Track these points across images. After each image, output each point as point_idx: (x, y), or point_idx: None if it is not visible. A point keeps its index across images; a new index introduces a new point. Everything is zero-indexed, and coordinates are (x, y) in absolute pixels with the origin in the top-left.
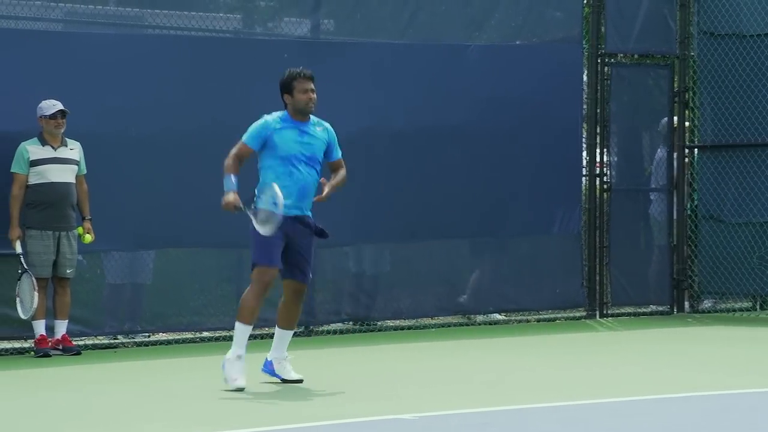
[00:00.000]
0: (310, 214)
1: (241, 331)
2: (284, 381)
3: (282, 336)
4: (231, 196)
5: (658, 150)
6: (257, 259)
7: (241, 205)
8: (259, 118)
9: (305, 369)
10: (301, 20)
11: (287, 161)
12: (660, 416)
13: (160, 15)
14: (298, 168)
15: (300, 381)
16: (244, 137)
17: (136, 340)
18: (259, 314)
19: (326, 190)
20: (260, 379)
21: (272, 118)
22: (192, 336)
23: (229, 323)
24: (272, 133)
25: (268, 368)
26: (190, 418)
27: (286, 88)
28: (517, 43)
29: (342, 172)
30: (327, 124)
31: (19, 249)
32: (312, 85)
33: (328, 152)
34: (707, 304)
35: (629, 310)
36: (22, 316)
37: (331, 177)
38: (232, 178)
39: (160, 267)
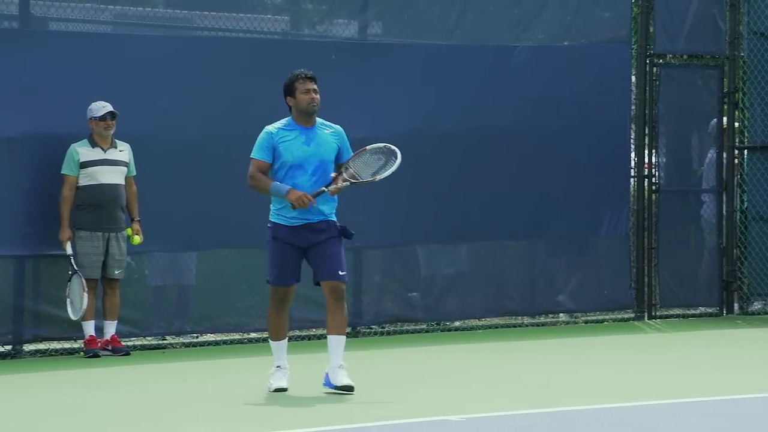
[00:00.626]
0: (329, 216)
1: (273, 346)
2: (335, 388)
3: (332, 343)
4: (294, 193)
5: (709, 151)
6: (268, 276)
7: (312, 195)
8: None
9: (352, 370)
10: (349, 22)
11: (296, 169)
12: (709, 418)
13: (208, 17)
14: (306, 176)
15: (351, 388)
16: (253, 153)
17: (184, 340)
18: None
19: (334, 187)
20: (307, 382)
21: (273, 127)
22: (239, 337)
23: None
24: (277, 142)
25: (327, 380)
26: (237, 419)
27: (288, 90)
28: (565, 43)
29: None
30: (336, 126)
31: (69, 250)
32: (314, 86)
33: (339, 154)
34: (757, 305)
35: (678, 312)
36: (72, 317)
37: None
38: (273, 183)
39: (207, 268)
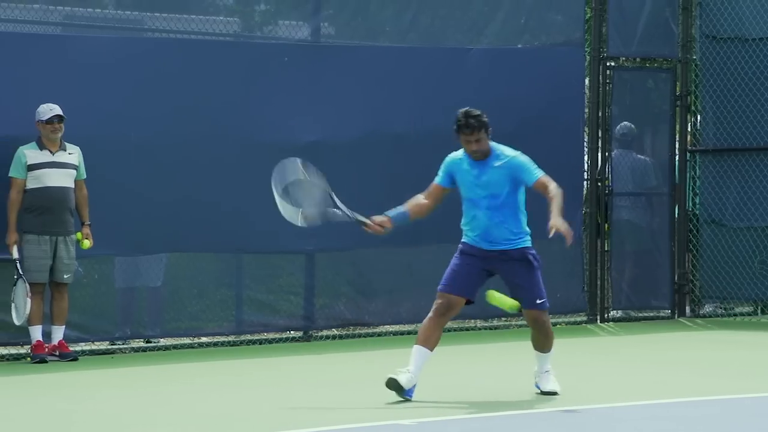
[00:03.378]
0: (516, 245)
1: (414, 350)
2: (542, 393)
3: (537, 357)
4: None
5: (614, 152)
6: (441, 282)
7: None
8: (257, 120)
9: (304, 374)
10: (302, 23)
11: (470, 203)
12: (660, 421)
13: (159, 18)
14: (481, 210)
15: (555, 393)
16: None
17: (133, 345)
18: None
19: (552, 220)
20: (261, 386)
21: (455, 155)
22: (190, 341)
23: (228, 328)
24: (455, 171)
25: (537, 385)
26: (187, 425)
27: (456, 132)
28: (519, 46)
29: (551, 190)
30: (509, 155)
31: (15, 254)
32: (476, 136)
33: (518, 181)
34: (708, 308)
35: (630, 315)
36: (16, 322)
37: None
38: (401, 208)
39: (158, 272)
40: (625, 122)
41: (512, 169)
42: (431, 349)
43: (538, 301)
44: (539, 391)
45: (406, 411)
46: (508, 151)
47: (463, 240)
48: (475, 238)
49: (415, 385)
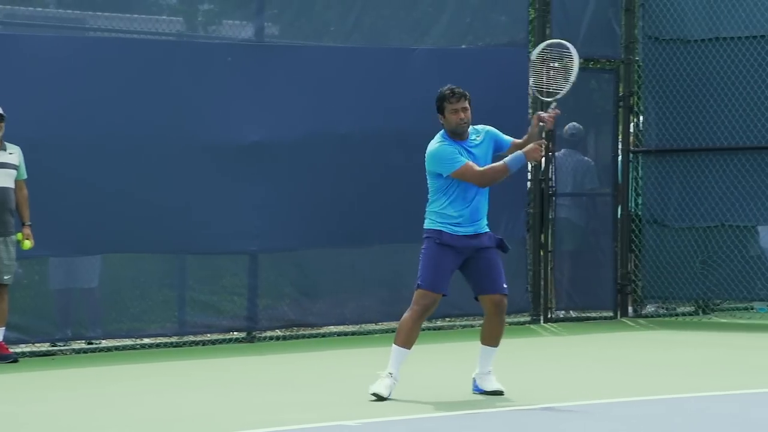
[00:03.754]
0: (485, 230)
1: (395, 352)
2: (485, 393)
3: (485, 353)
4: (530, 151)
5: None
6: (422, 280)
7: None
8: (200, 120)
9: (248, 375)
10: (245, 23)
11: (456, 183)
12: (604, 421)
13: (101, 17)
14: (468, 190)
15: (501, 393)
16: (456, 162)
17: (75, 347)
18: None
19: (547, 115)
20: (208, 387)
21: (441, 142)
22: (132, 343)
23: (171, 329)
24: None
25: (475, 386)
26: (131, 426)
27: (439, 108)
28: (463, 47)
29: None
30: (483, 128)
31: None
32: (465, 104)
33: (498, 146)
34: (650, 308)
35: (573, 315)
36: None
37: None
38: (507, 161)
39: (100, 273)
40: (574, 123)
41: (491, 138)
42: (411, 349)
43: (505, 285)
44: (478, 392)
45: (351, 411)
46: (477, 126)
47: (436, 228)
48: (459, 223)
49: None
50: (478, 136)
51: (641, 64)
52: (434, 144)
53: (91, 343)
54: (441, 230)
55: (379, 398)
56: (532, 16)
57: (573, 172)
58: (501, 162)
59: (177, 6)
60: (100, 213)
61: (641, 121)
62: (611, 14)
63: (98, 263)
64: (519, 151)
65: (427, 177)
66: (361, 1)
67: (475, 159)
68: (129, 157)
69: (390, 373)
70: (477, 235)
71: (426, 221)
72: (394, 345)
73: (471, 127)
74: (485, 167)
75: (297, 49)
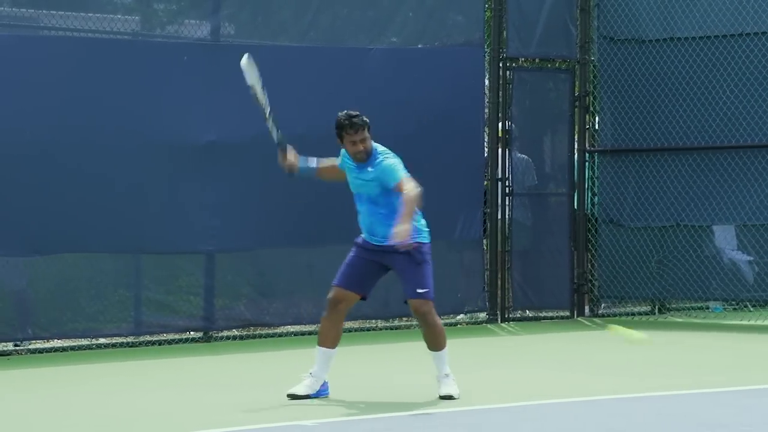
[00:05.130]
0: (388, 242)
1: (317, 351)
2: (440, 397)
3: (432, 357)
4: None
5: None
6: (430, 291)
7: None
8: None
9: (204, 375)
10: (201, 23)
11: (357, 198)
12: (559, 420)
13: (56, 16)
14: (364, 205)
15: (450, 397)
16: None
17: (30, 347)
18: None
19: (396, 227)
20: (165, 387)
21: (343, 152)
22: (88, 343)
23: (127, 329)
24: (345, 167)
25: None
26: (89, 426)
27: (338, 135)
28: (419, 46)
29: (405, 193)
30: (381, 159)
31: None
32: (361, 135)
33: (384, 186)
34: (606, 308)
35: (530, 315)
36: None
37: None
38: (314, 163)
39: (54, 272)
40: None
41: (380, 173)
42: (332, 347)
43: (419, 290)
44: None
45: (308, 411)
46: (381, 153)
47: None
48: (365, 232)
49: (326, 383)
50: (371, 168)
51: (597, 64)
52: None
53: (45, 343)
54: (361, 235)
55: (296, 398)
56: (489, 16)
57: (513, 171)
58: (305, 162)
59: (132, 5)
60: (55, 213)
61: (597, 121)
62: (567, 14)
63: (47, 264)
64: (314, 168)
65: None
66: (318, 1)
67: (363, 181)
68: (83, 156)
69: (311, 373)
70: (385, 245)
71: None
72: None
73: (378, 151)
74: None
75: (253, 48)
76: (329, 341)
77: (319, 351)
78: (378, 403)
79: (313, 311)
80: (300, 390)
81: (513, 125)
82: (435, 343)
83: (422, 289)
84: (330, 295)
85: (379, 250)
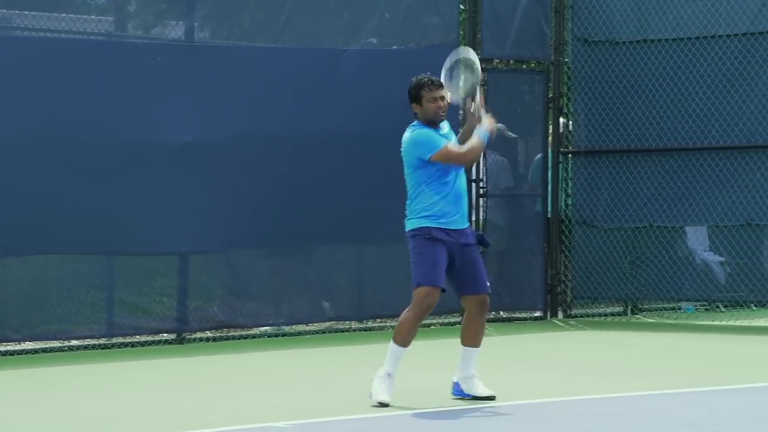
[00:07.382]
0: (468, 224)
1: (393, 351)
2: (475, 398)
3: (467, 355)
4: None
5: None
6: (422, 279)
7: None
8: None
9: (178, 377)
10: (176, 23)
11: (436, 170)
12: (530, 421)
13: (28, 16)
14: (450, 173)
15: (493, 398)
16: (435, 145)
17: (1, 349)
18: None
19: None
20: (140, 390)
21: (420, 127)
22: (60, 345)
23: (99, 331)
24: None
25: (457, 390)
26: (62, 429)
27: (414, 97)
28: (394, 48)
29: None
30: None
31: None
32: (441, 93)
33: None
34: (580, 309)
35: (504, 315)
36: None
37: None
38: (476, 138)
39: (26, 274)
40: (501, 124)
41: (450, 130)
42: (408, 347)
43: (488, 283)
44: (460, 396)
45: (282, 413)
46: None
47: (424, 225)
48: (448, 216)
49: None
50: (447, 125)
51: (570, 65)
52: (410, 131)
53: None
54: (429, 226)
55: (383, 405)
56: (463, 17)
57: (488, 172)
58: (474, 138)
59: (106, 5)
60: (27, 213)
61: (570, 123)
62: (541, 16)
63: (18, 265)
64: (478, 127)
65: (406, 172)
66: (292, 2)
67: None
68: (57, 157)
69: (388, 374)
70: (462, 230)
71: (410, 221)
72: (392, 343)
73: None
74: (464, 146)
75: (227, 49)
76: (409, 342)
77: (400, 351)
78: (354, 404)
79: (287, 312)
80: (386, 397)
81: None
82: (481, 338)
83: (487, 282)
84: (430, 299)
85: (456, 242)
